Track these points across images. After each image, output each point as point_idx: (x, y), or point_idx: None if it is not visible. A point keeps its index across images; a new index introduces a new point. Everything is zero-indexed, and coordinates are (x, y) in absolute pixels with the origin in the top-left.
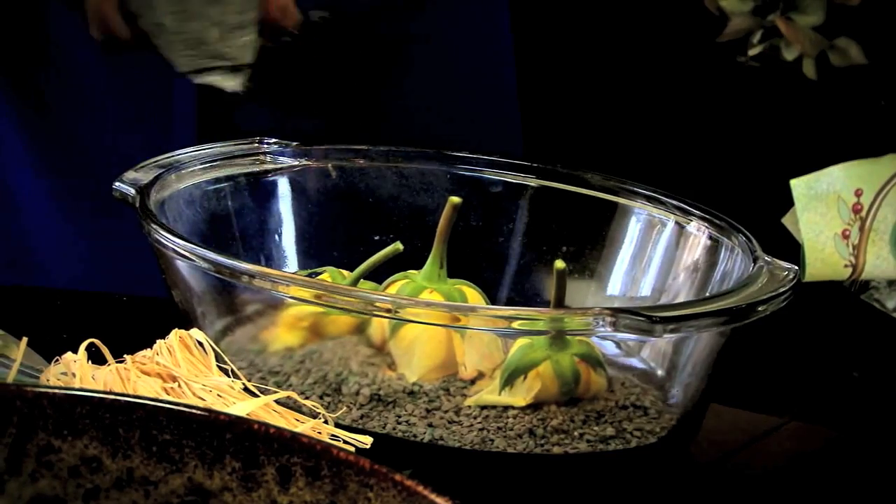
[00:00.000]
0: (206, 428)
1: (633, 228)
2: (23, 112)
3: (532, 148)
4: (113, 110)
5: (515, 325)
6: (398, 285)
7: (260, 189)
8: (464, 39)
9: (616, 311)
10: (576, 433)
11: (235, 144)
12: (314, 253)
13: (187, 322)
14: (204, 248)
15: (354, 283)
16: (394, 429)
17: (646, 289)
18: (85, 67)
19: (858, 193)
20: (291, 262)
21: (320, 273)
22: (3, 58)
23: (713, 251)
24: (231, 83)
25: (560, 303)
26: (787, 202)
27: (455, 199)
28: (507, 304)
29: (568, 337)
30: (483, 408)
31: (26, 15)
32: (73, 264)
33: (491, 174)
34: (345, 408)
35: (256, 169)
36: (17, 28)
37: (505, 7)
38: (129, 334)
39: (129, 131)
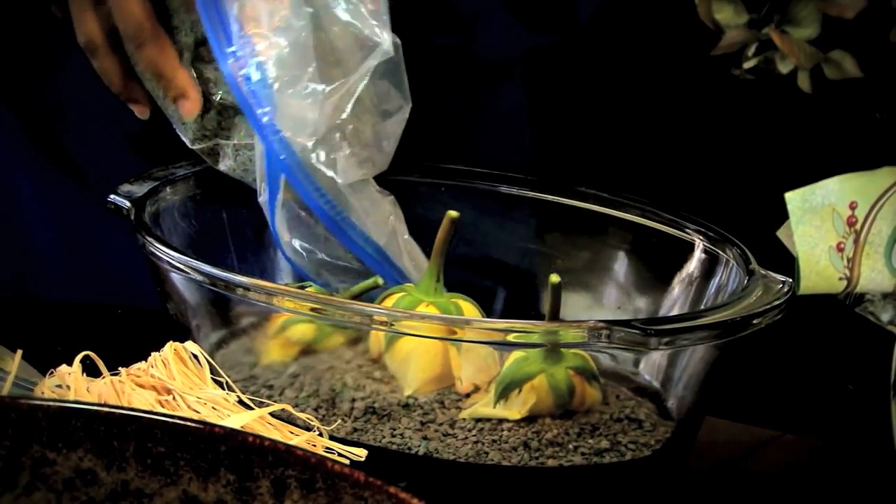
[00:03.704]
0: (201, 441)
1: (628, 241)
2: (26, 124)
3: (535, 161)
4: (118, 123)
5: (510, 337)
6: (394, 298)
7: (255, 201)
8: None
9: (611, 324)
10: (570, 446)
11: None
12: None
13: (182, 334)
14: (199, 261)
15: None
16: (389, 442)
17: (640, 301)
18: (92, 81)
19: (853, 206)
20: (286, 275)
21: (306, 287)
22: (11, 73)
23: (708, 264)
24: None
25: (555, 316)
26: (782, 215)
27: (453, 214)
28: (502, 318)
29: (562, 350)
30: (478, 421)
31: (34, 30)
32: (67, 275)
33: (486, 186)
34: (339, 420)
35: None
36: (24, 42)
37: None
38: (124, 346)
39: (133, 144)
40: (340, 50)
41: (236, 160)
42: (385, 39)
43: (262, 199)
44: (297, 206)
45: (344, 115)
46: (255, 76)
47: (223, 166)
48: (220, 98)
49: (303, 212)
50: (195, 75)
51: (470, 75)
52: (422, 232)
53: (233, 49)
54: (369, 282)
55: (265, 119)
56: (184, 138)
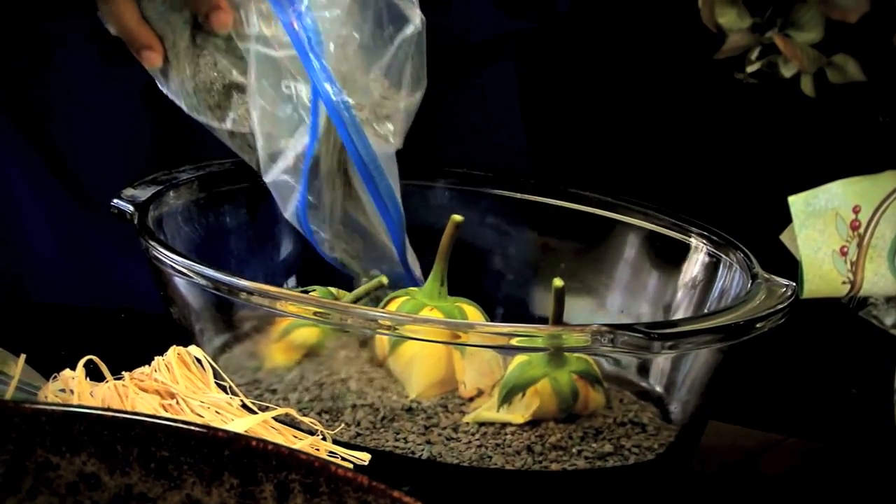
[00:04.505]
0: (205, 445)
1: (632, 245)
2: (23, 128)
3: (532, 163)
4: (111, 125)
5: (514, 341)
6: (398, 302)
7: (258, 205)
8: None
9: (614, 328)
10: (574, 450)
11: (233, 161)
12: (313, 270)
13: (185, 339)
14: (202, 265)
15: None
16: (392, 446)
17: (644, 305)
18: (84, 81)
19: (856, 210)
20: (290, 280)
21: (309, 291)
22: (6, 75)
23: (711, 268)
24: None
25: (558, 320)
26: (786, 219)
27: (457, 218)
28: (505, 322)
29: (566, 354)
30: (481, 425)
31: (28, 34)
32: (68, 279)
33: (490, 191)
34: (343, 425)
35: (255, 185)
36: (15, 42)
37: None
38: (128, 351)
39: (126, 147)
40: (375, 22)
41: (232, 142)
42: (417, 14)
43: (268, 178)
44: (314, 198)
45: (385, 86)
46: (314, 31)
47: (219, 135)
48: (218, 74)
49: (312, 198)
50: (199, 52)
51: (452, 57)
52: (425, 235)
53: (292, 5)
54: (374, 282)
55: (323, 75)
56: (180, 103)
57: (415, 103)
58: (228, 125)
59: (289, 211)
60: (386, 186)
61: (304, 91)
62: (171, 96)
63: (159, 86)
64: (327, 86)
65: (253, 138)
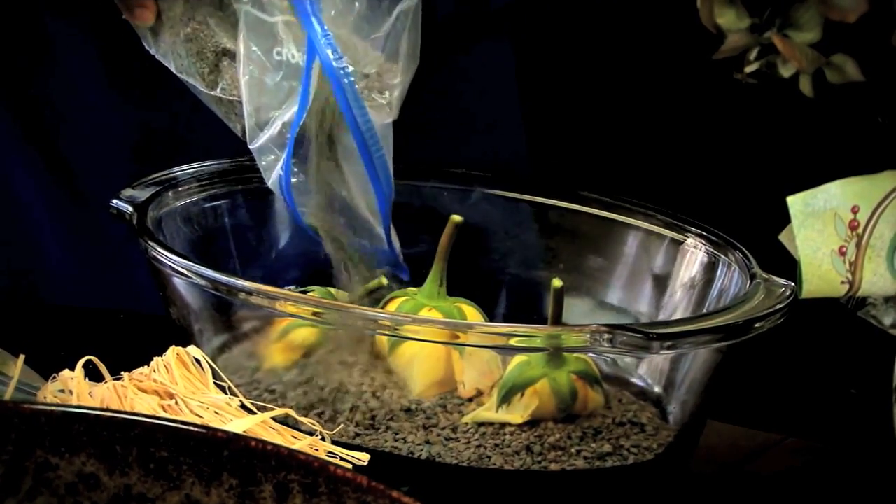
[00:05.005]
0: (204, 445)
1: (630, 245)
2: (24, 127)
3: (532, 163)
4: (111, 125)
5: (513, 341)
6: (398, 302)
7: (257, 206)
8: (467, 60)
9: (613, 328)
10: (573, 450)
11: (232, 161)
12: (312, 271)
13: (184, 339)
14: (201, 266)
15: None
16: (391, 446)
17: (643, 305)
18: (84, 81)
19: (855, 210)
20: (289, 280)
21: (308, 292)
22: (7, 74)
23: (710, 268)
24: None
25: (557, 320)
26: (784, 219)
27: (456, 218)
28: (504, 322)
29: (565, 354)
30: (480, 425)
31: (28, 33)
32: (69, 280)
33: (489, 191)
34: (342, 425)
35: (254, 186)
36: (18, 45)
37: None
38: (127, 351)
39: (126, 147)
40: None
41: (219, 108)
42: None
43: (254, 145)
44: (298, 170)
45: (380, 61)
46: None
47: (205, 100)
48: (211, 40)
49: (296, 167)
50: (193, 16)
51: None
52: (424, 235)
53: None
54: (374, 283)
55: (324, 41)
56: (168, 64)
57: (408, 79)
58: (217, 92)
59: (271, 179)
60: (380, 157)
61: (295, 59)
62: (158, 57)
63: (146, 46)
64: (328, 51)
65: (240, 105)
